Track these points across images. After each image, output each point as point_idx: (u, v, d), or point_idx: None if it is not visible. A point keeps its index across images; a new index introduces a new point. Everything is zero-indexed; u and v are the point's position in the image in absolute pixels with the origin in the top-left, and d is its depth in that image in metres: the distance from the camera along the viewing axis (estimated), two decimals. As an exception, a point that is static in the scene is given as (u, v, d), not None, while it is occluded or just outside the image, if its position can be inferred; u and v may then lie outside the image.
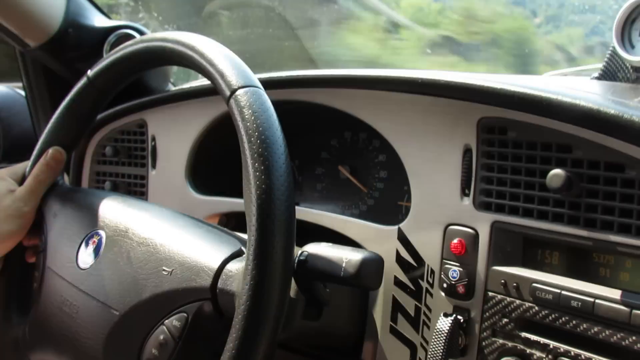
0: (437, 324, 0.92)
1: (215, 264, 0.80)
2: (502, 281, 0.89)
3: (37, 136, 1.64)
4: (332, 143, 1.37)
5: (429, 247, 0.98)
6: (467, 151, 0.94)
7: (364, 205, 1.30)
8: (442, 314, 0.94)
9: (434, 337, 0.92)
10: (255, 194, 0.72)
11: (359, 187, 1.31)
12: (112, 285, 0.88)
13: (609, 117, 0.75)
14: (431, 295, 0.98)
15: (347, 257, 0.84)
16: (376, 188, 1.28)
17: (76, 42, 1.49)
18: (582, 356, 0.80)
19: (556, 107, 0.81)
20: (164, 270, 0.83)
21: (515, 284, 0.87)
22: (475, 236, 0.92)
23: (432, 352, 0.91)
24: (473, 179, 0.93)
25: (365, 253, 0.85)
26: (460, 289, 0.93)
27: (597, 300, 0.79)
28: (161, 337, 0.81)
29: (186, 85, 1.40)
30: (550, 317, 0.84)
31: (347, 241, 1.09)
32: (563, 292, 0.82)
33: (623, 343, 0.77)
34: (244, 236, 0.89)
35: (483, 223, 0.92)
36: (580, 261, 0.85)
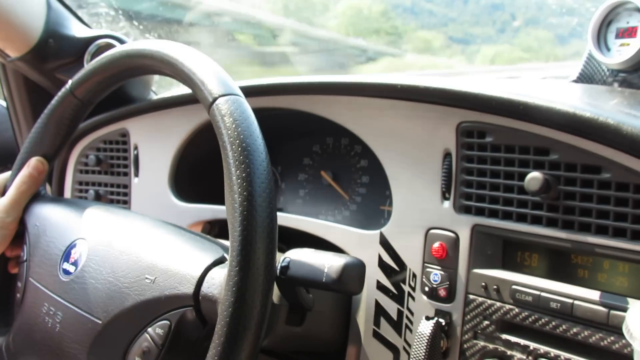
0: (419, 328, 0.93)
1: (197, 272, 0.80)
2: (483, 284, 0.89)
3: (19, 146, 1.65)
4: (314, 149, 1.37)
5: (411, 251, 0.99)
6: (446, 155, 0.95)
7: (346, 210, 1.31)
8: (424, 318, 0.94)
9: (416, 341, 0.92)
10: (237, 201, 0.72)
11: (342, 190, 1.31)
12: (95, 295, 0.88)
13: (584, 120, 0.76)
14: (413, 298, 0.98)
15: (329, 262, 0.85)
16: (358, 193, 1.29)
17: (57, 53, 1.48)
18: (562, 357, 0.81)
19: (533, 110, 0.82)
20: (146, 278, 0.83)
21: (495, 287, 0.88)
22: (456, 239, 0.93)
23: (415, 356, 0.91)
24: (453, 182, 0.94)
25: (347, 258, 0.85)
26: (442, 292, 0.94)
27: (575, 302, 0.80)
28: (144, 345, 0.81)
29: (168, 94, 1.40)
30: (530, 319, 0.84)
31: (330, 247, 1.09)
32: (542, 294, 0.83)
33: (602, 343, 0.77)
34: (227, 243, 0.89)
35: (463, 226, 0.92)
36: (559, 263, 0.86)
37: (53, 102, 1.06)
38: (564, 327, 0.81)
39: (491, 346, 0.89)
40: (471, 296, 0.91)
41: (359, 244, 1.05)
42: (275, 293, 0.89)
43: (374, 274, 1.03)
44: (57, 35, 1.48)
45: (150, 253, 0.87)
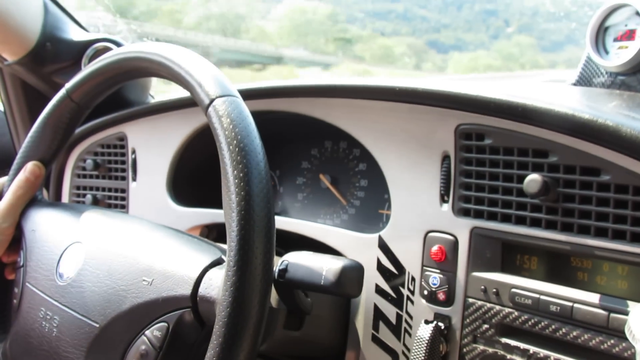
0: (418, 332, 0.92)
1: (195, 273, 0.80)
2: (482, 287, 0.89)
3: (16, 151, 1.64)
4: (313, 153, 1.37)
5: (410, 254, 0.98)
6: (445, 158, 0.94)
7: (345, 214, 1.30)
8: (423, 322, 0.94)
9: (415, 345, 0.92)
10: (234, 201, 0.72)
11: (340, 195, 1.31)
12: (92, 298, 0.87)
13: (583, 122, 0.76)
14: (412, 302, 0.98)
15: (327, 265, 0.84)
16: (357, 197, 1.29)
17: (54, 56, 1.48)
18: (562, 360, 0.81)
19: (532, 112, 0.81)
20: (144, 280, 0.83)
21: (494, 290, 0.87)
22: (455, 242, 0.93)
23: (414, 360, 0.91)
24: (452, 185, 0.94)
25: (346, 261, 0.85)
26: (441, 296, 0.93)
27: (575, 305, 0.79)
28: (142, 347, 0.81)
29: (165, 98, 1.40)
30: (529, 322, 0.84)
31: (329, 250, 1.09)
32: (542, 297, 0.82)
33: (602, 347, 0.77)
34: (225, 246, 0.89)
35: (462, 229, 0.92)
36: (558, 265, 0.85)
37: (49, 106, 1.05)
38: (563, 330, 0.81)
39: (490, 350, 0.88)
40: (470, 299, 0.91)
41: (358, 247, 1.05)
42: (274, 297, 0.89)
43: (372, 278, 1.02)
44: (55, 38, 1.47)
45: (147, 255, 0.86)
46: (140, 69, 0.93)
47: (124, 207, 1.45)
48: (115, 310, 0.84)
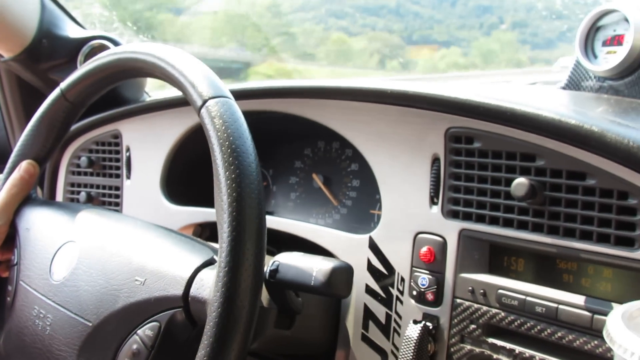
0: (407, 331, 0.94)
1: (187, 273, 0.81)
2: (470, 288, 0.90)
3: (11, 147, 1.65)
4: (306, 152, 1.38)
5: (399, 255, 0.99)
6: (435, 160, 0.95)
7: (337, 214, 1.31)
8: (411, 321, 0.95)
9: (403, 344, 0.93)
10: (226, 202, 0.72)
11: (332, 195, 1.32)
12: (85, 297, 0.88)
13: (570, 127, 0.77)
14: (401, 302, 0.99)
15: (317, 266, 0.85)
16: (349, 197, 1.30)
17: (50, 53, 1.49)
18: (547, 361, 0.82)
19: (519, 117, 0.82)
20: (136, 280, 0.84)
21: (482, 291, 0.89)
22: (444, 244, 0.94)
23: (402, 359, 0.92)
24: (441, 187, 0.95)
25: (335, 262, 0.86)
26: (430, 296, 0.94)
27: (560, 306, 0.81)
28: (134, 346, 0.81)
29: (160, 96, 1.41)
30: (515, 323, 0.85)
31: (320, 250, 1.10)
32: (528, 298, 0.84)
33: (585, 347, 0.78)
34: (217, 245, 0.90)
35: (451, 231, 0.93)
36: (544, 268, 0.87)
37: (44, 104, 1.06)
38: (548, 331, 0.82)
39: (477, 350, 0.90)
40: (458, 300, 0.92)
41: (349, 247, 1.06)
42: (265, 296, 0.90)
43: (362, 278, 1.03)
44: (51, 35, 1.48)
45: (140, 255, 0.87)
46: (135, 69, 0.94)
47: (117, 205, 1.45)
48: (108, 309, 0.85)
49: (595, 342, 0.77)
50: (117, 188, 1.46)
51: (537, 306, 0.83)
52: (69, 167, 1.54)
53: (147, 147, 1.40)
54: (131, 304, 0.83)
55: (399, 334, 0.99)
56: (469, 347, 0.91)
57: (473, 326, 0.90)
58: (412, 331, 0.93)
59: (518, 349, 0.85)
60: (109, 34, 1.52)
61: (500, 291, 0.87)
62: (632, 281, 0.78)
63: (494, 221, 0.89)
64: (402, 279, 0.99)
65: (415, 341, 0.92)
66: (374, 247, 1.02)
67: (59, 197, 1.57)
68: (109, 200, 1.48)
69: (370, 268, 1.03)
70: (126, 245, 0.90)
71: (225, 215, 0.72)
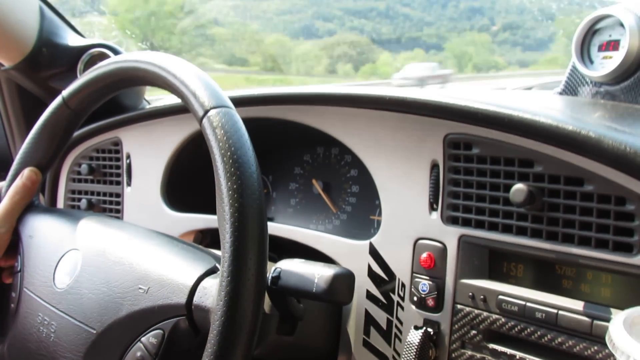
0: (408, 337, 0.94)
1: (190, 281, 0.81)
2: (470, 294, 0.90)
3: (12, 155, 1.65)
4: (305, 158, 1.38)
5: (400, 261, 1.00)
6: (434, 166, 0.96)
7: (337, 219, 1.32)
8: (412, 327, 0.96)
9: (405, 350, 0.93)
10: (228, 213, 0.73)
11: (331, 202, 1.32)
12: (89, 305, 0.88)
13: (567, 133, 0.78)
14: (402, 308, 0.99)
15: (319, 273, 0.86)
16: (348, 202, 1.30)
17: (50, 62, 1.49)
18: (547, 366, 0.82)
19: (517, 123, 0.83)
20: (140, 288, 0.84)
21: (482, 296, 0.89)
22: (444, 250, 0.94)
23: (404, 365, 0.93)
24: (440, 193, 0.95)
25: (337, 269, 0.87)
26: (430, 302, 0.95)
27: (560, 312, 0.81)
28: (138, 354, 0.82)
29: (160, 104, 1.41)
30: (516, 328, 0.86)
31: (321, 255, 1.10)
32: (528, 304, 0.84)
33: (585, 353, 0.79)
34: (219, 252, 0.90)
35: (451, 237, 0.94)
36: (544, 273, 0.87)
37: (46, 112, 1.06)
38: (549, 336, 0.82)
39: (478, 355, 0.90)
40: (459, 306, 0.92)
41: (349, 253, 1.07)
42: (267, 303, 0.90)
43: (363, 284, 1.04)
44: (51, 44, 1.49)
45: (143, 263, 0.88)
46: (136, 78, 0.95)
47: (118, 212, 1.46)
48: (112, 316, 0.85)
49: (595, 347, 0.78)
50: (118, 195, 1.47)
51: (537, 312, 0.83)
52: (70, 175, 1.55)
53: (148, 154, 1.40)
54: (135, 312, 0.84)
55: (400, 340, 1.00)
56: (470, 352, 0.91)
57: (474, 332, 0.90)
58: (414, 337, 0.94)
59: (519, 354, 0.86)
60: (108, 42, 1.52)
61: (500, 297, 0.87)
62: (631, 286, 0.79)
63: (493, 227, 0.90)
64: (403, 285, 0.99)
65: (416, 347, 0.93)
66: (374, 253, 1.03)
67: (60, 203, 1.57)
68: (109, 207, 1.48)
69: (371, 274, 1.03)
70: (129, 253, 0.91)
71: (228, 225, 0.73)
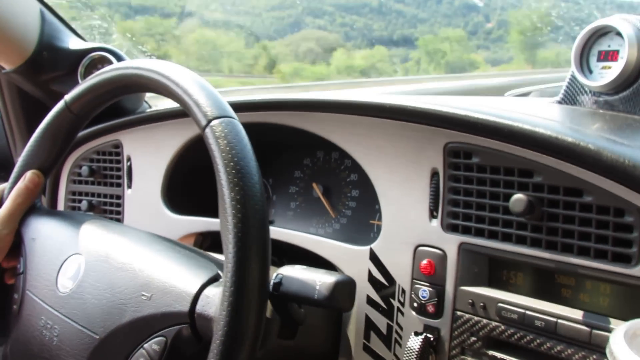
0: (408, 343, 0.95)
1: (193, 289, 0.82)
2: (470, 301, 0.91)
3: (12, 156, 1.66)
4: (305, 162, 1.39)
5: (400, 267, 1.01)
6: (434, 174, 0.97)
7: (337, 223, 1.32)
8: (412, 333, 0.96)
9: (405, 356, 0.94)
10: (231, 223, 0.74)
11: (330, 207, 1.33)
12: (92, 310, 0.89)
13: (566, 144, 0.78)
14: (402, 314, 1.00)
15: (320, 279, 0.87)
16: (348, 207, 1.31)
17: (51, 65, 1.50)
18: (546, 374, 0.83)
19: (517, 133, 0.84)
20: (143, 295, 0.85)
21: (482, 304, 0.90)
22: (444, 257, 0.95)
23: (404, 370, 0.94)
24: (440, 201, 0.96)
25: (338, 276, 0.87)
26: (430, 308, 0.96)
27: (559, 320, 0.82)
28: None
29: (161, 107, 1.42)
30: (515, 336, 0.87)
31: (321, 261, 1.11)
32: (527, 312, 0.85)
33: (584, 361, 0.80)
34: (220, 257, 0.91)
35: (451, 244, 0.95)
36: (543, 282, 0.88)
37: (49, 116, 1.07)
38: (548, 344, 0.83)
39: (478, 362, 0.91)
40: (459, 312, 0.93)
41: (349, 259, 1.07)
42: (268, 308, 0.91)
43: (364, 289, 1.05)
44: (52, 47, 1.49)
45: (146, 270, 0.88)
46: (139, 85, 0.95)
47: (119, 214, 1.47)
48: (115, 322, 0.86)
49: (594, 356, 0.79)
50: (119, 197, 1.47)
51: (537, 320, 0.84)
52: (70, 176, 1.56)
53: (148, 157, 1.41)
54: (138, 319, 0.84)
55: (400, 345, 1.01)
56: (469, 358, 0.92)
57: (473, 338, 0.91)
58: (414, 343, 0.95)
59: (518, 361, 0.87)
60: (109, 46, 1.53)
61: (500, 305, 0.88)
62: (629, 297, 0.80)
63: (493, 235, 0.90)
64: (403, 291, 1.00)
65: (416, 352, 0.94)
66: (374, 258, 1.04)
67: (60, 205, 1.58)
68: (110, 208, 1.49)
69: (371, 279, 1.04)
70: (132, 259, 0.91)
71: (231, 236, 0.73)
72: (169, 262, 0.89)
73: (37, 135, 1.09)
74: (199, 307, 0.81)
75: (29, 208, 1.09)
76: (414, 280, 0.99)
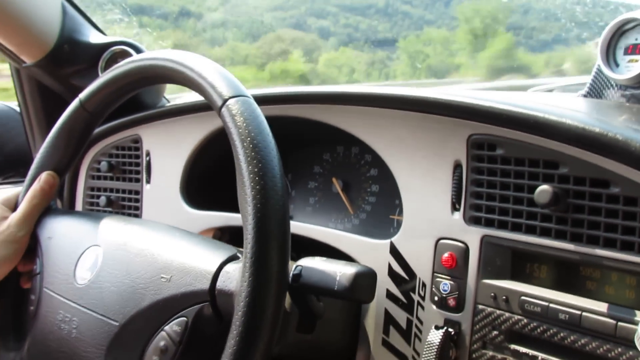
0: (429, 337, 0.94)
1: (213, 267, 0.82)
2: (492, 294, 0.90)
3: (32, 152, 1.66)
4: (325, 157, 1.39)
5: (421, 260, 1.00)
6: (457, 167, 0.96)
7: (356, 218, 1.32)
8: (433, 327, 0.96)
9: (425, 350, 0.93)
10: (250, 195, 0.74)
11: (350, 202, 1.33)
12: (111, 298, 0.89)
13: (593, 135, 0.78)
14: (422, 308, 0.99)
15: (340, 270, 0.86)
16: (368, 202, 1.30)
17: (71, 59, 1.50)
18: (570, 367, 0.82)
19: (543, 124, 0.83)
20: (162, 277, 0.85)
21: (504, 297, 0.89)
22: (466, 250, 0.94)
23: (424, 364, 0.93)
24: (463, 193, 0.95)
25: (359, 267, 0.87)
26: (451, 302, 0.95)
27: (584, 313, 0.81)
28: (162, 343, 0.83)
29: (180, 101, 1.42)
30: (538, 329, 0.86)
31: (340, 254, 1.11)
32: (551, 305, 0.84)
33: (609, 355, 0.79)
34: (239, 248, 0.91)
35: (473, 237, 0.94)
36: (567, 275, 0.87)
37: (63, 116, 1.07)
38: (572, 337, 0.82)
39: (500, 356, 0.90)
40: (480, 306, 0.92)
41: (369, 252, 1.07)
42: (287, 301, 0.91)
43: (383, 283, 1.04)
44: (72, 41, 1.50)
45: (165, 254, 0.88)
46: (154, 76, 0.96)
47: (137, 209, 1.47)
48: (135, 307, 0.86)
49: (619, 349, 0.78)
50: (137, 192, 1.47)
51: (561, 313, 0.83)
52: (89, 172, 1.56)
53: (167, 152, 1.41)
54: (158, 301, 0.84)
55: (420, 340, 1.00)
56: (491, 353, 0.91)
57: (495, 332, 0.90)
58: (434, 337, 0.94)
59: (541, 355, 0.86)
60: (130, 40, 1.53)
61: (522, 298, 0.87)
62: (656, 289, 0.79)
63: (516, 228, 0.89)
64: (424, 285, 0.99)
65: (437, 347, 0.93)
66: (395, 252, 1.03)
67: (79, 201, 1.58)
68: (128, 204, 1.49)
69: (391, 273, 1.03)
70: (150, 245, 0.91)
71: (250, 207, 0.73)
72: (187, 246, 0.90)
73: (52, 135, 1.09)
74: (219, 284, 0.81)
75: (45, 209, 1.09)
76: (435, 274, 0.98)
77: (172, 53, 0.91)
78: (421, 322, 1.00)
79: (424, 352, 0.94)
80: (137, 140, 1.46)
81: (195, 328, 0.82)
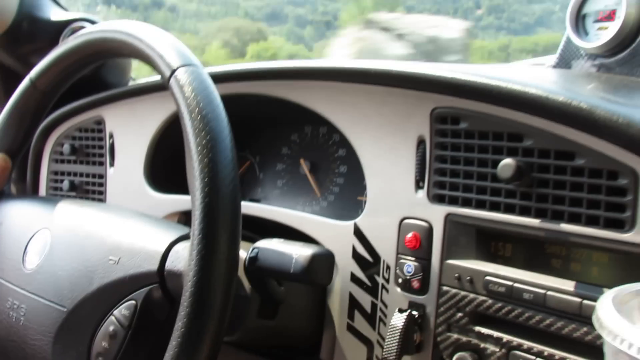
0: (392, 320, 0.91)
1: (161, 247, 0.80)
2: (456, 275, 0.87)
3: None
4: (293, 138, 1.35)
5: (385, 241, 0.97)
6: (420, 142, 0.92)
7: (324, 201, 1.28)
8: (396, 310, 0.92)
9: (388, 334, 0.90)
10: (197, 169, 0.71)
11: (317, 184, 1.29)
12: (60, 282, 0.86)
13: (557, 104, 0.74)
14: (387, 291, 0.96)
15: (297, 252, 0.84)
16: (336, 183, 1.27)
17: (31, 36, 1.46)
18: (535, 349, 0.79)
19: (506, 94, 0.79)
20: (110, 259, 0.82)
21: (468, 278, 0.85)
22: (430, 229, 0.91)
23: (387, 349, 0.89)
24: (427, 171, 0.92)
25: (316, 248, 0.85)
26: (415, 284, 0.91)
27: (548, 292, 0.77)
28: (111, 328, 0.80)
29: (143, 80, 1.38)
30: (503, 310, 0.82)
31: (306, 238, 1.07)
32: (515, 285, 0.81)
33: (574, 334, 0.75)
34: None
35: (437, 216, 0.90)
36: (532, 252, 0.84)
37: (14, 96, 1.03)
38: (537, 318, 0.79)
39: (464, 338, 0.87)
40: (445, 287, 0.89)
41: (334, 235, 1.03)
42: (246, 285, 0.88)
43: (348, 266, 1.00)
44: (32, 17, 1.45)
45: (114, 235, 0.86)
46: (105, 50, 0.92)
47: (101, 193, 1.42)
48: (83, 292, 0.83)
49: (585, 329, 0.74)
50: (101, 176, 1.43)
51: (525, 292, 0.79)
52: (52, 155, 1.51)
53: (131, 133, 1.37)
54: (106, 285, 0.82)
55: (384, 324, 0.96)
56: (456, 335, 0.87)
57: (460, 314, 0.87)
58: (398, 320, 0.90)
59: (506, 337, 0.82)
60: (90, 16, 1.49)
61: (487, 278, 0.83)
62: (622, 265, 0.75)
63: (480, 205, 0.86)
64: (388, 267, 0.96)
65: (400, 330, 0.89)
66: (358, 233, 0.99)
67: (42, 185, 1.54)
68: (92, 188, 1.45)
69: (356, 255, 1.00)
70: (100, 227, 0.89)
71: (198, 182, 0.70)
72: (138, 226, 0.87)
73: (2, 117, 1.04)
74: (168, 264, 0.78)
75: None
76: (399, 255, 0.94)
77: (123, 24, 0.88)
78: (385, 306, 0.96)
79: (388, 336, 0.90)
80: (100, 122, 1.42)
81: (145, 311, 0.79)
